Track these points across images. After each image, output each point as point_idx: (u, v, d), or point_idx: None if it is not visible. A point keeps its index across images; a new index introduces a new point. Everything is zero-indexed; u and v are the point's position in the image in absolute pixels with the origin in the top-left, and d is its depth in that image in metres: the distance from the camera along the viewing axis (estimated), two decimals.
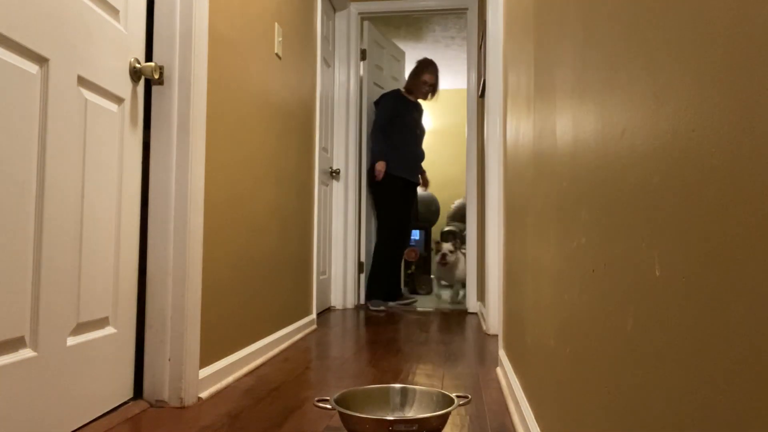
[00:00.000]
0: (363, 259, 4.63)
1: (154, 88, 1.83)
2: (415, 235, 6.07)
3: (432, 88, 4.63)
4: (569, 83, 1.00)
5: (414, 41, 6.30)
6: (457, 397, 1.49)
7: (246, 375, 2.23)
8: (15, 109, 1.24)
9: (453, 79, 7.37)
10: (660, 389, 0.56)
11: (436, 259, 4.90)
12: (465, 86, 6.96)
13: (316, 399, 1.54)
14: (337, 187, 4.37)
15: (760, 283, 0.39)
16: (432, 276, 5.83)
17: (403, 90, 4.61)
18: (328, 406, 1.43)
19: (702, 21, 0.48)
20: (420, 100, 4.66)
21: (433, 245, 5.63)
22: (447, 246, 4.87)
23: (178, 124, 1.82)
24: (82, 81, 1.48)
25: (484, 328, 3.37)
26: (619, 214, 0.70)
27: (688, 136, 0.50)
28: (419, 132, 4.61)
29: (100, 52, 1.56)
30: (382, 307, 4.34)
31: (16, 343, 1.26)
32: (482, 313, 3.69)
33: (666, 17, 0.56)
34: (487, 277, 3.34)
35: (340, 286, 4.36)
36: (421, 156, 4.61)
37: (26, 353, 1.29)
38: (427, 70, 4.57)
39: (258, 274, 2.50)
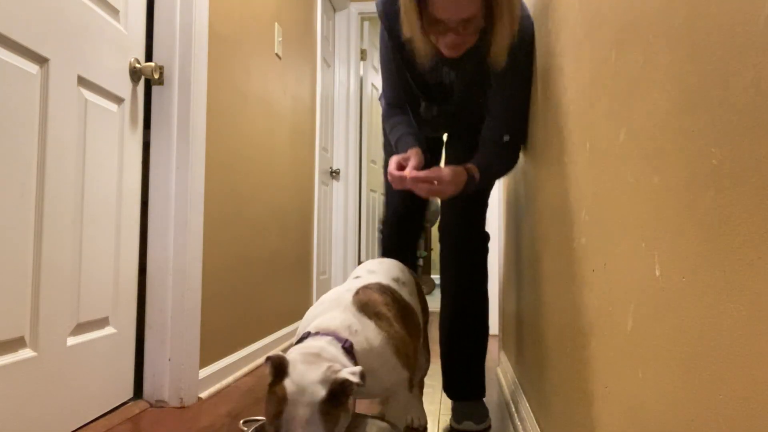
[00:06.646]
0: (363, 258, 4.63)
1: (154, 88, 1.83)
2: None
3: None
4: (571, 80, 1.00)
5: None
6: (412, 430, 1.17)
7: (246, 375, 2.23)
8: (15, 109, 1.24)
9: None
10: (659, 389, 0.56)
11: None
12: None
13: (242, 421, 1.20)
14: (337, 187, 4.37)
15: (760, 283, 0.39)
16: (432, 276, 5.84)
17: None
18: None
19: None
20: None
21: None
22: None
23: (178, 124, 1.82)
24: (82, 81, 1.48)
25: None
26: (618, 214, 0.70)
27: (685, 129, 0.50)
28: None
29: (100, 52, 1.56)
30: None
31: (16, 343, 1.26)
32: None
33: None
34: None
35: None
36: None
37: (26, 353, 1.29)
38: None
39: (258, 274, 2.49)
